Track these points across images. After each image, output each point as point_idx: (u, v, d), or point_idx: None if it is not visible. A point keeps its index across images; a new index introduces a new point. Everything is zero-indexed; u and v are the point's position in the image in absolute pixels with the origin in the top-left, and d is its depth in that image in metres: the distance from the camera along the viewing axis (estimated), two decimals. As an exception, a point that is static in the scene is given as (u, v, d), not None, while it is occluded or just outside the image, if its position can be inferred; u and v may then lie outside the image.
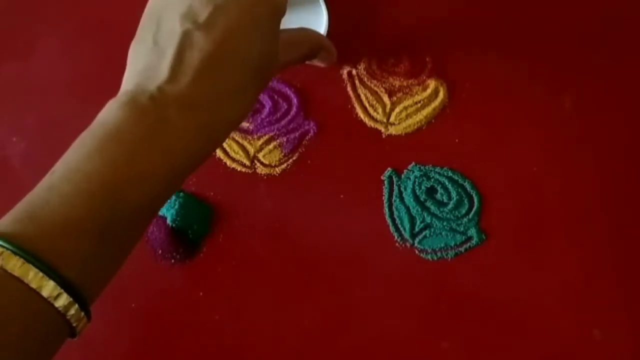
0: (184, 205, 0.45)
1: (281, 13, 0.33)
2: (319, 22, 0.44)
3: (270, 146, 0.46)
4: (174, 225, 0.45)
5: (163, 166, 0.28)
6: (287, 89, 0.47)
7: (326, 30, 0.44)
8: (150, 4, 0.32)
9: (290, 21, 0.36)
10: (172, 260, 0.45)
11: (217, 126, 0.30)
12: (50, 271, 0.25)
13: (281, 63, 0.34)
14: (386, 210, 0.45)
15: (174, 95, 0.29)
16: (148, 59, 0.30)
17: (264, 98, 0.47)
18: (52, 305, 0.25)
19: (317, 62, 0.40)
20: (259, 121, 0.47)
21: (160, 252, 0.45)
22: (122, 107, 0.29)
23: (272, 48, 0.32)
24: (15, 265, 0.25)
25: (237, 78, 0.30)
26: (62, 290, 0.25)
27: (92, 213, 0.27)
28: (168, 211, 0.45)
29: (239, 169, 0.46)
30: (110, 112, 0.29)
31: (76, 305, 0.26)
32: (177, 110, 0.29)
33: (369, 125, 0.46)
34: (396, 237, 0.45)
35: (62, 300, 0.25)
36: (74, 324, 0.26)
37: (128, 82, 0.30)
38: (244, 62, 0.30)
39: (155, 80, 0.29)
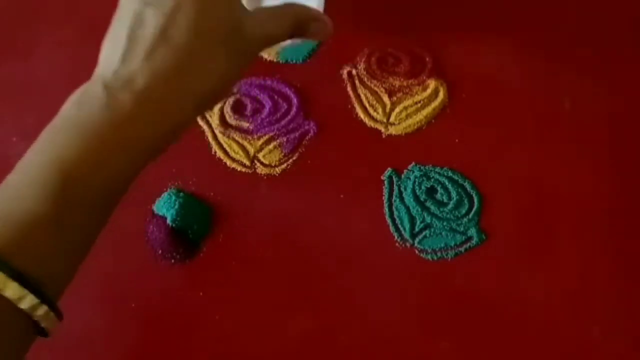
0: (184, 205, 0.45)
1: None
2: None
3: (270, 146, 0.46)
4: (174, 225, 0.45)
5: (118, 151, 0.28)
6: (287, 89, 0.47)
7: (322, 4, 0.41)
8: (119, 4, 0.32)
9: None
10: (172, 260, 0.45)
11: (180, 99, 0.29)
12: (11, 271, 0.24)
13: (262, 36, 0.33)
14: (386, 210, 0.45)
15: (125, 77, 0.28)
16: (108, 48, 0.30)
17: (264, 98, 0.47)
18: (17, 307, 0.25)
19: (311, 37, 0.38)
20: (259, 121, 0.47)
21: (160, 252, 0.45)
22: (77, 97, 0.29)
23: (233, 20, 0.31)
24: None
25: (193, 47, 0.29)
26: (26, 292, 0.25)
27: (45, 202, 0.26)
28: (168, 211, 0.45)
29: (239, 169, 0.46)
30: (66, 105, 0.29)
31: (44, 306, 0.25)
32: (129, 91, 0.28)
33: (369, 125, 0.46)
34: (396, 237, 0.45)
35: (28, 302, 0.25)
36: (43, 324, 0.26)
37: (94, 73, 0.30)
38: (198, 32, 0.29)
39: (110, 66, 0.29)
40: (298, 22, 0.35)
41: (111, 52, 0.30)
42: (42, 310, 0.25)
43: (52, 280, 0.26)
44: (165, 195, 0.46)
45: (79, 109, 0.28)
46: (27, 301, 0.25)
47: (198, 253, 0.45)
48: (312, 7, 0.36)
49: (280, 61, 0.48)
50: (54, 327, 0.27)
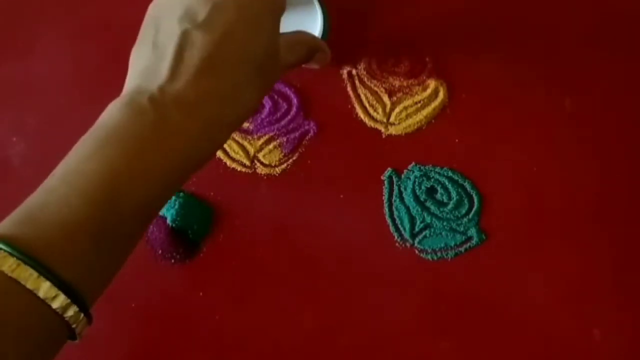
0: (184, 205, 0.45)
1: (280, 10, 0.33)
2: (314, 23, 0.44)
3: (270, 146, 0.46)
4: (174, 225, 0.45)
5: (163, 166, 0.28)
6: (287, 89, 0.47)
7: (321, 32, 0.44)
8: (151, 8, 0.32)
9: (286, 22, 0.36)
10: (172, 260, 0.45)
11: (217, 126, 0.30)
12: (46, 271, 0.25)
13: (287, 64, 0.34)
14: (386, 210, 0.45)
15: (173, 95, 0.29)
16: (148, 61, 0.30)
17: (264, 98, 0.47)
18: (49, 306, 0.25)
19: (312, 64, 0.40)
20: (259, 121, 0.47)
21: (160, 252, 0.45)
22: (122, 108, 0.29)
23: (272, 46, 0.32)
24: (11, 266, 0.24)
25: (237, 77, 0.30)
26: (59, 291, 0.25)
27: (89, 213, 0.26)
28: (168, 211, 0.45)
29: (239, 169, 0.46)
30: (110, 114, 0.29)
31: (74, 307, 0.26)
32: (177, 109, 0.29)
33: (369, 125, 0.46)
34: (396, 237, 0.45)
35: (59, 301, 0.25)
36: (73, 326, 0.26)
37: (129, 84, 0.30)
38: (244, 61, 0.30)
39: (155, 80, 0.29)
40: (309, 53, 0.37)
41: (154, 66, 0.30)
42: (73, 310, 0.26)
43: (85, 285, 0.26)
44: (165, 195, 0.46)
45: (128, 120, 0.28)
46: (59, 301, 0.25)
47: (198, 253, 0.45)
48: (317, 37, 0.40)
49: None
50: (83, 330, 0.27)
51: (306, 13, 0.44)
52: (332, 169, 0.46)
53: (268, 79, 0.32)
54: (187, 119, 0.29)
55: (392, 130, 0.46)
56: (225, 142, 0.33)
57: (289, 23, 0.41)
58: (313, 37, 0.39)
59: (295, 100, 0.47)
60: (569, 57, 0.47)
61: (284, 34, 0.34)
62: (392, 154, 0.46)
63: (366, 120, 0.46)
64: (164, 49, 0.30)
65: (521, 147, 0.45)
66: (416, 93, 0.46)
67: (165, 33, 0.30)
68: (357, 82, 0.47)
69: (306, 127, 0.47)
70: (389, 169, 0.45)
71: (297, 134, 0.46)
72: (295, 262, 0.45)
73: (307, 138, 0.46)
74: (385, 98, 0.47)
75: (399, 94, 0.47)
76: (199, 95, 0.29)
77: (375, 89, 0.47)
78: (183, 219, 0.45)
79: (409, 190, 0.45)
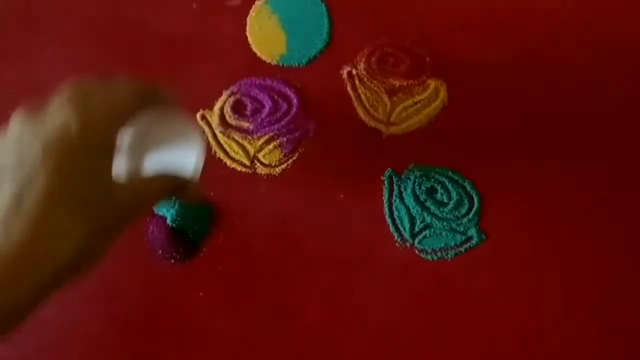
0: (184, 205, 0.45)
1: (101, 145, 0.31)
2: (189, 158, 0.38)
3: (270, 146, 0.46)
4: (174, 225, 0.45)
5: None
6: (287, 89, 0.47)
7: (195, 165, 0.38)
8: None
9: (160, 148, 0.34)
10: (172, 260, 0.45)
11: (35, 266, 0.29)
12: None
13: (132, 203, 0.32)
14: (386, 210, 0.45)
15: None
16: None
17: (264, 98, 0.47)
18: None
19: (184, 199, 0.38)
20: (259, 121, 0.47)
21: (160, 252, 0.45)
22: None
23: (96, 184, 0.30)
24: None
25: (51, 215, 0.29)
26: None
27: None
28: (168, 211, 0.45)
29: (239, 169, 0.46)
30: None
31: None
32: None
33: (369, 125, 0.46)
34: (396, 237, 0.45)
35: None
36: None
37: None
38: (54, 199, 0.29)
39: None
40: (169, 188, 0.35)
41: None
42: None
43: None
44: (165, 195, 0.46)
45: None
46: None
47: (198, 253, 0.45)
48: (175, 177, 0.36)
49: (281, 65, 0.48)
50: None
51: (181, 146, 0.38)
52: (332, 169, 0.46)
53: (102, 217, 0.31)
54: None
55: (392, 130, 0.46)
56: (66, 278, 0.30)
57: (162, 157, 0.38)
58: (169, 176, 0.36)
59: (295, 100, 0.47)
60: (569, 57, 0.47)
61: (134, 177, 0.34)
62: (392, 154, 0.46)
63: (366, 120, 0.46)
64: None
65: (521, 147, 0.45)
66: (416, 93, 0.46)
67: None
68: (357, 82, 0.47)
69: (306, 127, 0.47)
70: (389, 169, 0.45)
71: (297, 134, 0.46)
72: (295, 262, 0.45)
73: (307, 138, 0.46)
74: (385, 98, 0.47)
75: (399, 94, 0.47)
76: (6, 239, 0.28)
77: (375, 89, 0.47)
78: (183, 219, 0.45)
79: (409, 190, 0.45)
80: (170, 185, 0.35)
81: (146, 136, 0.36)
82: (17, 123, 0.32)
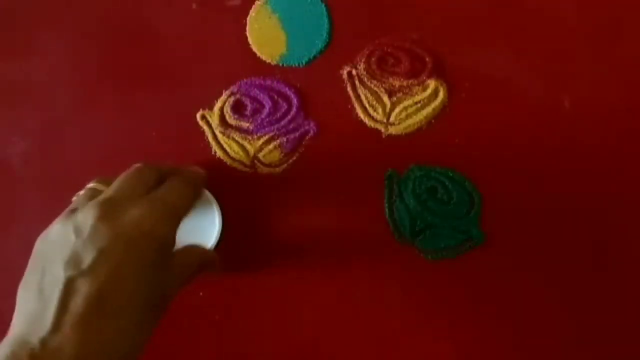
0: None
1: (168, 245, 0.33)
2: (212, 229, 0.42)
3: (270, 146, 0.46)
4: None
5: None
6: (287, 89, 0.47)
7: (217, 237, 0.42)
8: (39, 242, 0.32)
9: (183, 226, 0.36)
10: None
11: None
12: None
13: (177, 288, 0.34)
14: (386, 210, 0.45)
15: (53, 349, 0.28)
16: (33, 306, 0.30)
17: (264, 98, 0.47)
18: None
19: (203, 272, 0.39)
20: (259, 121, 0.47)
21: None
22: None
23: (161, 281, 0.32)
24: None
25: (123, 322, 0.30)
26: None
27: None
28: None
29: (239, 169, 0.46)
30: None
31: None
32: None
33: (369, 125, 0.46)
34: (396, 237, 0.45)
35: None
36: None
37: (15, 328, 0.30)
38: (132, 302, 0.30)
39: (38, 330, 0.29)
40: (199, 271, 0.36)
41: (38, 314, 0.29)
42: None
43: None
44: (165, 195, 0.46)
45: None
46: None
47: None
48: (207, 250, 0.39)
49: (281, 65, 0.48)
50: None
51: (205, 217, 0.42)
52: (332, 169, 0.46)
53: (160, 310, 0.32)
54: None
55: (392, 130, 0.46)
56: None
57: (186, 227, 0.39)
58: (202, 251, 0.38)
59: (295, 100, 0.47)
60: (569, 56, 0.47)
61: (173, 254, 0.34)
62: (392, 154, 0.46)
63: (366, 120, 0.46)
64: (49, 296, 0.29)
65: (521, 147, 0.45)
66: (416, 93, 0.46)
67: (50, 278, 0.30)
68: (357, 82, 0.47)
69: (306, 127, 0.47)
70: (389, 169, 0.45)
71: (297, 134, 0.46)
72: (295, 262, 0.45)
73: (307, 138, 0.46)
74: (385, 98, 0.47)
75: (399, 94, 0.47)
76: (81, 347, 0.28)
77: (375, 89, 0.47)
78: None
79: (409, 190, 0.45)
80: (204, 257, 0.37)
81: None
82: (90, 216, 0.31)
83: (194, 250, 0.37)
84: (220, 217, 0.42)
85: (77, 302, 0.29)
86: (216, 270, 0.39)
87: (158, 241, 0.32)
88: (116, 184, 0.35)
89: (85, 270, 0.29)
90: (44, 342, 0.28)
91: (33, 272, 0.31)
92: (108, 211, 0.32)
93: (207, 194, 0.42)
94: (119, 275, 0.30)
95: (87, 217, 0.31)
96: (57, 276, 0.30)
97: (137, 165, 0.37)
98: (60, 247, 0.31)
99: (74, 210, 0.33)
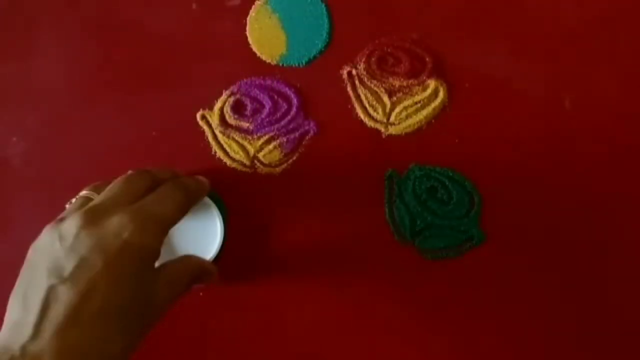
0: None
1: (151, 255, 0.33)
2: (213, 240, 0.42)
3: (270, 146, 0.46)
4: (174, 225, 0.45)
5: None
6: (287, 89, 0.47)
7: (218, 249, 0.42)
8: (31, 251, 0.33)
9: (185, 232, 0.36)
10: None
11: None
12: None
13: (168, 299, 0.34)
14: (386, 210, 0.45)
15: (34, 355, 0.28)
16: (17, 314, 0.30)
17: (264, 98, 0.47)
18: None
19: (200, 283, 0.38)
20: (259, 121, 0.47)
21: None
22: None
23: (145, 291, 0.32)
24: None
25: (102, 331, 0.30)
26: None
27: None
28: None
29: (239, 169, 0.46)
30: None
31: None
32: None
33: (369, 125, 0.46)
34: (396, 237, 0.45)
35: None
36: None
37: (0, 334, 0.30)
38: (110, 311, 0.30)
39: (20, 338, 0.29)
40: (193, 280, 0.36)
41: (20, 322, 0.30)
42: None
43: None
44: (165, 195, 0.46)
45: None
46: None
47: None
48: (204, 260, 0.38)
49: (281, 65, 0.48)
50: None
51: (205, 226, 0.42)
52: (332, 169, 0.46)
53: (145, 323, 0.32)
54: None
55: (392, 130, 0.46)
56: None
57: (186, 236, 0.40)
58: (197, 262, 0.37)
59: (295, 100, 0.47)
60: (569, 56, 0.47)
61: (165, 264, 0.35)
62: (392, 154, 0.46)
63: (366, 120, 0.46)
64: (31, 304, 0.30)
65: (521, 147, 0.45)
66: (416, 93, 0.46)
67: (33, 286, 0.30)
68: (357, 82, 0.47)
69: (306, 127, 0.47)
70: (389, 169, 0.45)
71: (297, 134, 0.46)
72: (294, 262, 0.45)
73: (307, 138, 0.46)
74: (385, 98, 0.47)
75: (399, 94, 0.47)
76: (60, 354, 0.29)
77: (375, 89, 0.47)
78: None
79: (409, 190, 0.45)
80: (199, 268, 0.37)
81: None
82: (73, 225, 0.32)
83: (190, 260, 0.37)
84: (223, 228, 0.42)
85: (58, 310, 0.29)
86: (214, 282, 0.39)
87: (139, 251, 0.32)
88: (105, 192, 0.35)
89: (66, 278, 0.30)
90: (24, 348, 0.29)
91: (21, 280, 0.32)
92: (91, 219, 0.32)
93: (210, 203, 0.42)
94: (97, 284, 0.30)
95: (71, 225, 0.32)
96: (41, 284, 0.30)
97: (129, 172, 0.37)
98: (46, 255, 0.31)
99: (62, 219, 0.33)
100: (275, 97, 0.47)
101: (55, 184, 0.47)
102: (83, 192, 0.38)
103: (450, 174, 0.45)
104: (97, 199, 0.35)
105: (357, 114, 0.46)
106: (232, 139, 0.47)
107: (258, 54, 0.48)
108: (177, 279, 0.35)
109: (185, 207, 0.36)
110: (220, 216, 0.42)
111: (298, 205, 0.46)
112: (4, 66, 0.49)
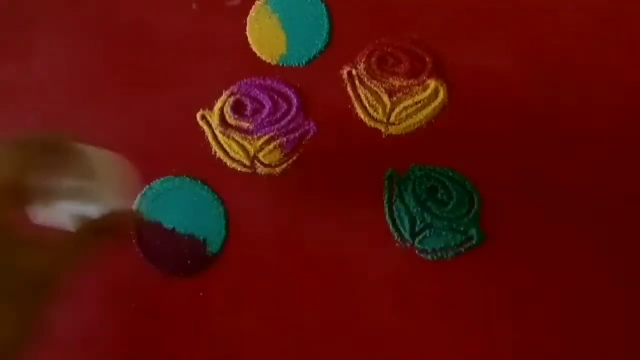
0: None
1: None
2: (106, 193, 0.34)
3: (270, 146, 0.46)
4: (179, 229, 0.45)
5: None
6: (287, 89, 0.47)
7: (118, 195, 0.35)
8: None
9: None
10: (182, 273, 0.45)
11: None
12: None
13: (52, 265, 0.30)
14: (386, 210, 0.45)
15: None
16: None
17: (264, 98, 0.47)
18: None
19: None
20: (259, 121, 0.47)
21: (166, 265, 0.45)
22: None
23: (6, 265, 0.29)
24: None
25: None
26: None
27: None
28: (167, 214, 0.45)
29: (239, 169, 0.46)
30: None
31: None
32: None
33: (369, 125, 0.46)
34: (396, 237, 0.45)
35: None
36: None
37: None
38: None
39: None
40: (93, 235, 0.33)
41: None
42: None
43: None
44: (165, 195, 0.46)
45: None
46: None
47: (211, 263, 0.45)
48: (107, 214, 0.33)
49: (281, 65, 0.48)
50: None
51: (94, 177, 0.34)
52: (332, 169, 0.46)
53: (31, 294, 0.29)
54: None
55: (392, 130, 0.46)
56: None
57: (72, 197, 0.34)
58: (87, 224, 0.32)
59: (295, 100, 0.47)
60: (569, 56, 0.47)
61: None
62: (392, 154, 0.46)
63: (366, 120, 0.46)
64: None
65: (521, 147, 0.45)
66: (416, 93, 0.46)
67: None
68: (357, 82, 0.47)
69: (306, 127, 0.47)
70: (389, 169, 0.45)
71: (297, 134, 0.46)
72: (295, 262, 0.45)
73: (307, 138, 0.46)
74: (385, 98, 0.47)
75: (399, 94, 0.47)
76: None
77: (375, 89, 0.47)
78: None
79: (409, 190, 0.45)
80: (90, 229, 0.32)
81: (57, 188, 0.33)
82: None
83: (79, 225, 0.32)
84: (118, 175, 0.34)
85: None
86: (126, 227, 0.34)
87: None
88: None
89: None
90: None
91: None
92: None
93: (100, 155, 0.35)
94: None
95: None
96: None
97: None
98: None
99: None
100: (275, 97, 0.47)
101: (55, 184, 0.46)
102: None
103: (450, 174, 0.45)
104: None
105: (357, 114, 0.46)
106: (232, 139, 0.47)
107: (258, 54, 0.48)
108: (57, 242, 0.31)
109: (23, 166, 0.33)
110: (114, 165, 0.34)
111: (298, 205, 0.46)
112: (4, 66, 0.49)
